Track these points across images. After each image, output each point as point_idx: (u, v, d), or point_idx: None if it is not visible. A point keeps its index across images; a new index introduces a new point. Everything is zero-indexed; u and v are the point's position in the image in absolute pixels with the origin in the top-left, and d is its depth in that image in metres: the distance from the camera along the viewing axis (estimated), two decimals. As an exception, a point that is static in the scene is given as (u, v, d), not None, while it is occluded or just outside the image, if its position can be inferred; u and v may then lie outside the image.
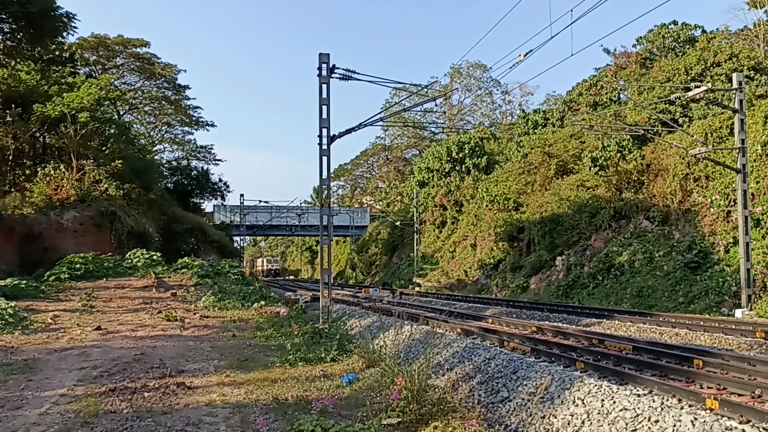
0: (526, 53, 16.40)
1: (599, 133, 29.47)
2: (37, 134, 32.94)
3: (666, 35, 34.95)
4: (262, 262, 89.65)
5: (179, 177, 49.42)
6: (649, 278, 23.43)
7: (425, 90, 24.15)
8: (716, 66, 27.79)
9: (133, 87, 55.92)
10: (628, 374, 8.17)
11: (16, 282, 20.97)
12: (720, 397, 6.47)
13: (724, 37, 31.88)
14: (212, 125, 75.41)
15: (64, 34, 28.05)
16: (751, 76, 26.76)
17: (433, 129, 72.19)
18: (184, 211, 43.19)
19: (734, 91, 18.67)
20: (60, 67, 34.74)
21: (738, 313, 17.28)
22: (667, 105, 28.05)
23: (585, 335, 12.59)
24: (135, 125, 53.26)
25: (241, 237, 64.76)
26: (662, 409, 6.33)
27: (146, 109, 59.04)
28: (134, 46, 52.30)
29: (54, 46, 31.52)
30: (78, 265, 24.17)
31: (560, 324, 16.43)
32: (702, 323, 14.75)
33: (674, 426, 5.97)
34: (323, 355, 11.08)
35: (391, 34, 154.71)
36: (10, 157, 32.07)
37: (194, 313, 18.07)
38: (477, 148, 50.57)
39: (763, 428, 5.73)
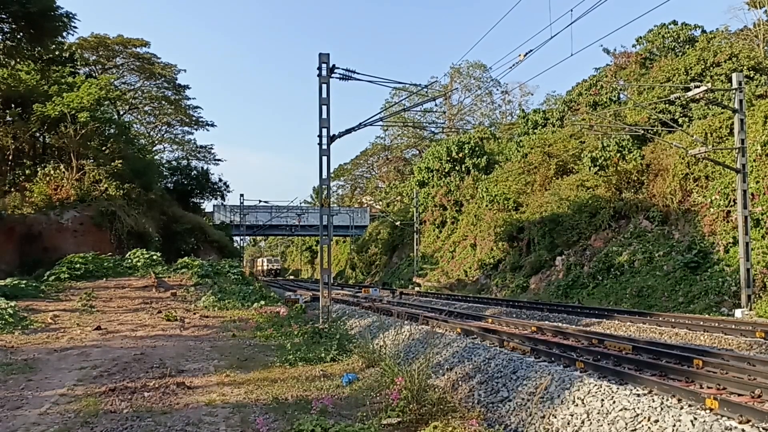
0: (526, 53, 16.41)
1: (599, 133, 29.47)
2: (37, 134, 32.94)
3: (666, 35, 34.94)
4: (263, 261, 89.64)
5: (179, 177, 49.44)
6: (649, 278, 23.43)
7: (425, 90, 24.15)
8: (716, 66, 27.79)
9: (133, 87, 55.92)
10: (627, 374, 8.18)
11: (16, 282, 20.97)
12: (720, 397, 6.47)
13: (724, 37, 31.88)
14: (212, 125, 75.55)
15: (64, 34, 28.11)
16: (751, 76, 26.76)
17: (433, 129, 72.26)
18: (184, 211, 43.20)
19: (734, 91, 18.67)
20: (60, 67, 34.74)
21: (738, 313, 17.28)
22: (667, 105, 28.05)
23: (585, 335, 12.59)
24: (135, 125, 53.26)
25: (241, 237, 64.77)
26: (662, 408, 6.33)
27: (146, 109, 59.04)
28: (134, 46, 52.29)
29: (54, 46, 31.54)
30: (78, 265, 24.17)
31: (560, 324, 16.43)
32: (702, 323, 14.75)
33: (674, 426, 5.97)
34: (323, 355, 11.08)
35: (391, 34, 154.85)
36: (10, 157, 32.07)
37: (194, 313, 18.07)
38: (477, 148, 50.57)
39: (763, 428, 5.73)
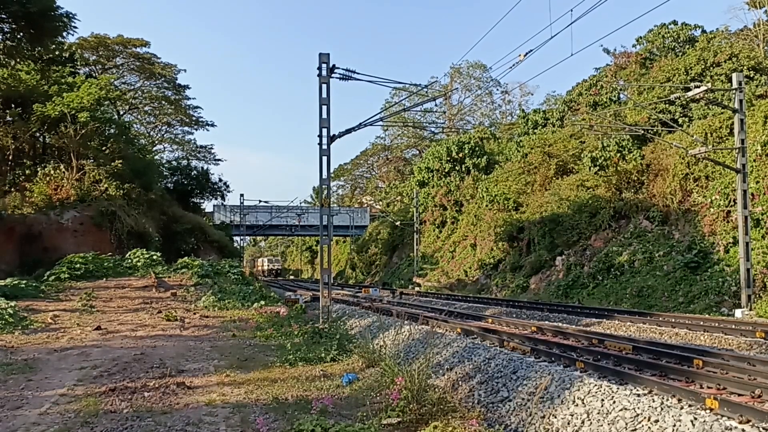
0: (526, 53, 16.41)
1: (599, 133, 29.47)
2: (37, 134, 32.94)
3: (666, 35, 34.94)
4: (263, 261, 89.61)
5: (179, 177, 49.44)
6: (649, 278, 23.43)
7: (425, 90, 24.16)
8: (716, 66, 27.78)
9: (133, 87, 55.93)
10: (628, 374, 8.18)
11: (16, 282, 20.97)
12: (720, 397, 6.47)
13: (724, 37, 31.87)
14: (212, 125, 75.62)
15: (64, 34, 28.11)
16: (751, 76, 26.76)
17: (433, 129, 72.26)
18: (184, 211, 43.20)
19: (734, 91, 18.67)
20: (60, 67, 34.74)
21: (738, 313, 17.28)
22: (667, 105, 28.04)
23: (585, 335, 12.59)
24: (135, 125, 53.28)
25: (241, 237, 64.78)
26: (662, 408, 6.33)
27: (146, 109, 59.05)
28: (134, 46, 52.30)
29: (54, 46, 31.54)
30: (78, 265, 24.17)
31: (560, 324, 16.43)
32: (702, 323, 14.75)
33: (674, 426, 5.97)
34: (323, 354, 11.08)
35: (391, 34, 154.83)
36: (10, 157, 32.07)
37: (194, 313, 18.07)
38: (477, 148, 50.57)
39: (763, 428, 5.73)
